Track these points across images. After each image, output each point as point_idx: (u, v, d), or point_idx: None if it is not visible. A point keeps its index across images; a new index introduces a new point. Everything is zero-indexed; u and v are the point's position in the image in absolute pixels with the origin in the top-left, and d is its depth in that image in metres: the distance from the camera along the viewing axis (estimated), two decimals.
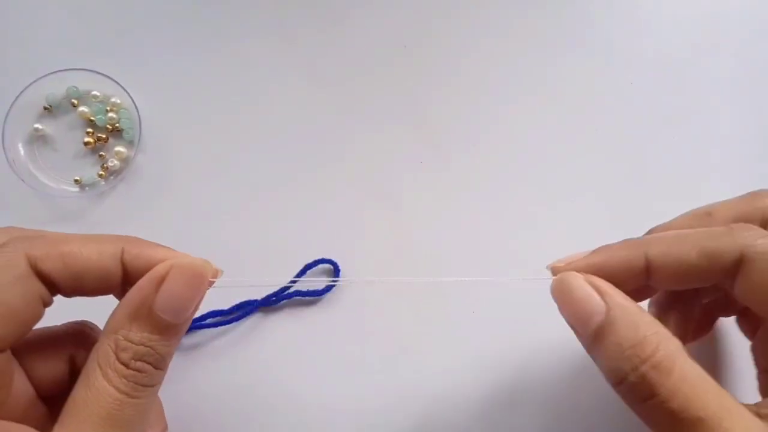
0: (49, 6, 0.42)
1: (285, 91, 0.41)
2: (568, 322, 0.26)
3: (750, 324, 0.32)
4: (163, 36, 0.42)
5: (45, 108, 0.40)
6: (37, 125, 0.40)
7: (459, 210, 0.40)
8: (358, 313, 0.38)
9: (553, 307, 0.27)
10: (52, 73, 0.39)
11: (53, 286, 0.25)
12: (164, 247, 0.26)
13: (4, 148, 0.39)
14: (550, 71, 0.42)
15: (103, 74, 0.40)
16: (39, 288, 0.24)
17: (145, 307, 0.24)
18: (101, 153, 0.40)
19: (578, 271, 0.27)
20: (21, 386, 0.26)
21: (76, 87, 0.40)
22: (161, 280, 0.24)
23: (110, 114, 0.40)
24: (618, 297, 0.25)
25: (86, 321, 0.29)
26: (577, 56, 0.42)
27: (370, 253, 0.39)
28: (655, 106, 0.41)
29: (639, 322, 0.24)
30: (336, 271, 0.38)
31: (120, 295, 0.26)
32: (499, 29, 0.42)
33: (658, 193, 0.40)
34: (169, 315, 0.24)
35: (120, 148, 0.40)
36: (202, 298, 0.26)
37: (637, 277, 0.26)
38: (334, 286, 0.38)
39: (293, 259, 0.38)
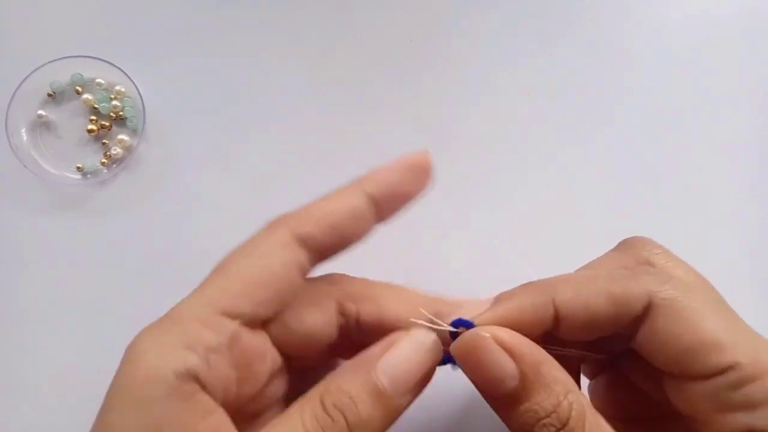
0: None
1: (289, 84, 0.41)
2: (473, 382, 0.24)
3: (592, 366, 0.30)
4: (170, 25, 0.41)
5: (49, 94, 0.40)
6: (40, 111, 0.40)
7: (462, 206, 0.39)
8: None
9: None
10: (56, 59, 0.39)
11: (314, 248, 0.25)
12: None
13: (7, 133, 0.39)
14: (555, 70, 0.41)
15: (108, 62, 0.40)
16: (298, 254, 0.24)
17: (370, 360, 0.23)
18: (104, 141, 0.40)
19: (482, 324, 0.24)
20: (264, 377, 0.25)
21: (80, 74, 0.40)
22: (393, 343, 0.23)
23: (114, 102, 0.40)
24: (530, 356, 0.23)
25: None
26: (583, 56, 0.42)
27: (372, 249, 0.39)
28: (660, 106, 0.41)
29: (552, 385, 0.23)
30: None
31: None
32: (505, 27, 0.42)
33: (663, 192, 0.40)
34: (386, 380, 0.23)
35: (123, 137, 0.40)
36: (428, 375, 0.24)
37: (544, 327, 0.24)
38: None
39: None
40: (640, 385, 0.28)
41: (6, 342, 0.39)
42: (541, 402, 0.23)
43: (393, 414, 0.23)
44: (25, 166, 0.38)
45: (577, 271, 0.28)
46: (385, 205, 0.26)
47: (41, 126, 0.40)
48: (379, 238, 0.39)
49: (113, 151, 0.40)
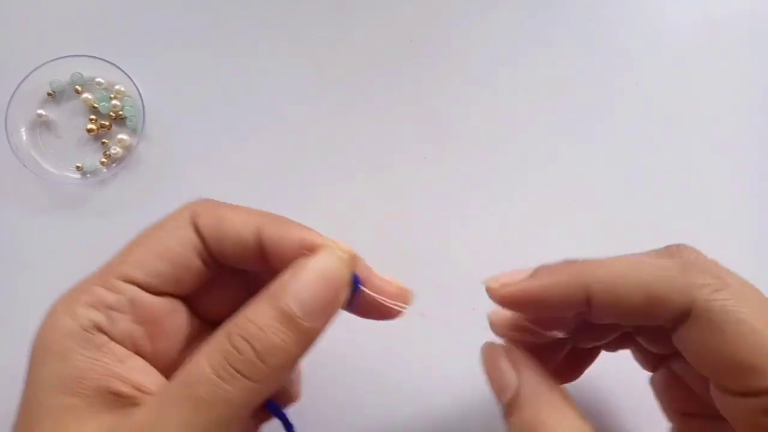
0: None
1: (289, 84, 0.41)
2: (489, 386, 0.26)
3: (649, 359, 0.31)
4: (170, 25, 0.41)
5: (48, 94, 0.40)
6: (40, 111, 0.40)
7: (462, 206, 0.39)
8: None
9: None
10: (56, 59, 0.39)
11: (205, 238, 0.26)
12: (308, 228, 0.26)
13: (7, 133, 0.39)
14: (555, 71, 0.41)
15: (107, 61, 0.40)
16: (193, 237, 0.26)
17: (276, 288, 0.23)
18: (104, 140, 0.40)
19: (514, 293, 0.26)
20: (180, 334, 0.27)
21: (80, 73, 0.40)
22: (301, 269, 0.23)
23: (114, 101, 0.40)
24: (530, 376, 0.25)
25: None
26: (583, 56, 0.42)
27: (372, 247, 0.39)
28: (661, 107, 0.41)
29: (542, 404, 0.24)
30: None
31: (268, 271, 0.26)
32: (505, 27, 0.42)
33: (662, 193, 0.40)
34: (296, 304, 0.23)
35: (123, 136, 0.40)
36: (336, 302, 0.24)
37: (575, 308, 0.25)
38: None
39: None
40: (690, 385, 0.28)
41: (6, 341, 0.38)
42: (527, 417, 0.24)
43: (307, 339, 0.23)
44: (24, 165, 0.38)
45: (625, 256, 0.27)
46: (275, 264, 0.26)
47: (41, 125, 0.40)
48: (378, 237, 0.39)
49: (113, 151, 0.39)
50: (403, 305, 0.27)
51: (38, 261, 0.39)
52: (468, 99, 0.41)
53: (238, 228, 0.26)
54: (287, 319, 0.22)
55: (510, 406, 0.24)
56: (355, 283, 0.26)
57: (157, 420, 0.22)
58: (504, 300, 0.26)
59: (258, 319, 0.22)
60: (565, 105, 0.41)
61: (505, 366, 0.25)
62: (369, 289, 0.26)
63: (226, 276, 0.28)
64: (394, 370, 0.37)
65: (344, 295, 0.24)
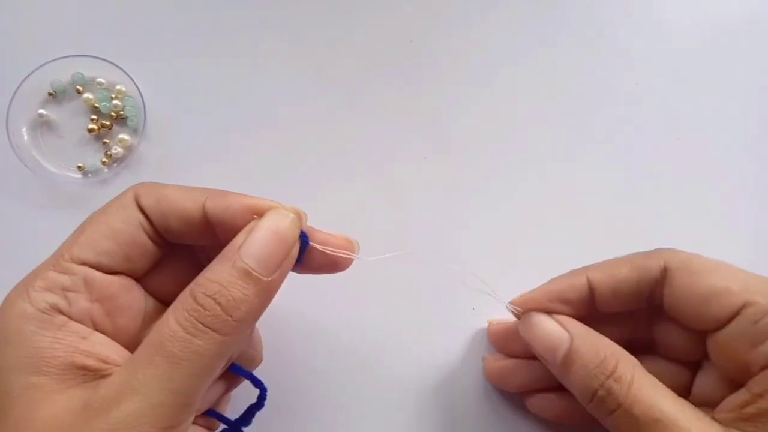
0: None
1: (290, 84, 0.41)
2: (538, 355, 0.30)
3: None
4: (170, 25, 0.42)
5: (50, 94, 0.40)
6: (41, 111, 0.40)
7: (462, 206, 0.40)
8: (358, 306, 0.38)
9: None
10: (57, 59, 0.39)
11: (150, 216, 0.27)
12: (250, 196, 0.27)
13: (8, 132, 0.39)
14: (555, 70, 0.41)
15: (108, 61, 0.40)
16: (137, 215, 0.27)
17: (233, 249, 0.25)
18: (105, 140, 0.40)
19: (534, 300, 0.31)
20: (137, 311, 0.28)
21: (81, 73, 0.40)
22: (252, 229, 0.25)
23: (115, 101, 0.40)
24: (577, 326, 0.29)
25: None
26: (583, 56, 0.42)
27: (372, 247, 0.39)
28: (660, 106, 0.41)
29: (598, 344, 0.28)
30: None
31: (214, 245, 0.27)
32: (505, 27, 0.42)
33: (662, 193, 0.40)
34: (252, 261, 0.24)
35: (124, 136, 0.40)
36: (289, 256, 0.26)
37: (582, 298, 0.30)
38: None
39: None
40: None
41: None
42: (589, 357, 0.28)
43: (266, 292, 0.25)
44: (26, 165, 0.38)
45: None
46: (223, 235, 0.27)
47: (42, 125, 0.40)
48: (377, 237, 0.39)
49: (114, 151, 0.40)
50: (351, 254, 0.29)
51: (40, 261, 0.39)
52: (468, 99, 0.41)
53: (181, 203, 0.27)
54: (246, 274, 0.24)
55: (567, 360, 0.28)
56: (303, 238, 0.27)
57: (134, 380, 0.23)
58: (531, 305, 0.31)
59: (219, 277, 0.24)
60: (565, 105, 0.41)
61: (552, 325, 0.29)
62: (315, 243, 0.28)
63: (178, 256, 0.29)
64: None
65: (296, 249, 0.26)
